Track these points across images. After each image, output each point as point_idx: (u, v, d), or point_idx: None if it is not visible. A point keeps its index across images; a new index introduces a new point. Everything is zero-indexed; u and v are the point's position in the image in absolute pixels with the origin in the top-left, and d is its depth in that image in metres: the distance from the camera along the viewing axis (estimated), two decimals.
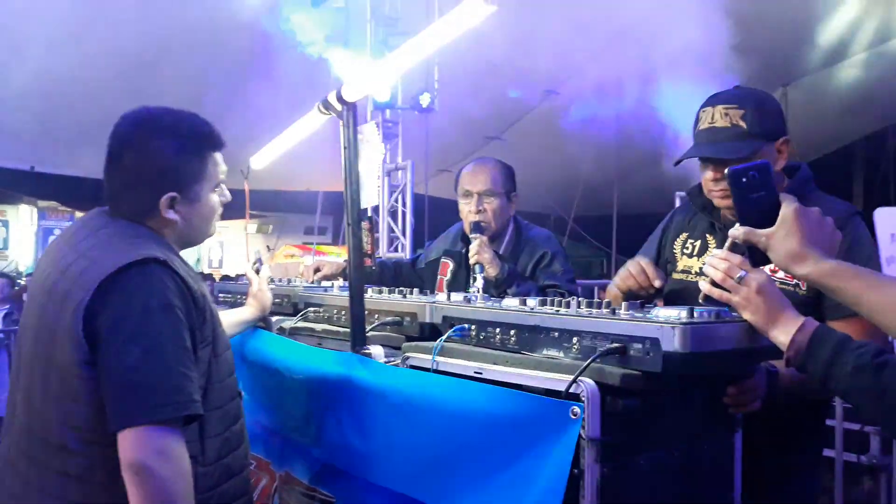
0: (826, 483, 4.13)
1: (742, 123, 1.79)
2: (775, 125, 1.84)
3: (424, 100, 7.44)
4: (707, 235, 2.02)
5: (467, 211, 2.74)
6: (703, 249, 2.00)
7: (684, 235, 2.08)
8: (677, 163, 1.97)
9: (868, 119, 12.23)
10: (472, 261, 2.57)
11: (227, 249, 16.91)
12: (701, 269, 1.90)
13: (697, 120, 1.91)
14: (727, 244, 1.47)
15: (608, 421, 1.30)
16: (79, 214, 11.61)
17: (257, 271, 2.35)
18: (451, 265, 2.85)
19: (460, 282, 2.78)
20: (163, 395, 1.42)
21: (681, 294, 1.98)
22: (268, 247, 14.62)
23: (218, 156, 1.70)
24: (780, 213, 1.34)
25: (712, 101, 1.87)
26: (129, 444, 1.40)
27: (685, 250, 2.06)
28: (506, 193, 2.75)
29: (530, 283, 2.59)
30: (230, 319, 2.19)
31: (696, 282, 1.87)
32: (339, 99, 1.83)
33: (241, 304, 2.36)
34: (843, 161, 14.35)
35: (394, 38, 7.39)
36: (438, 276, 2.88)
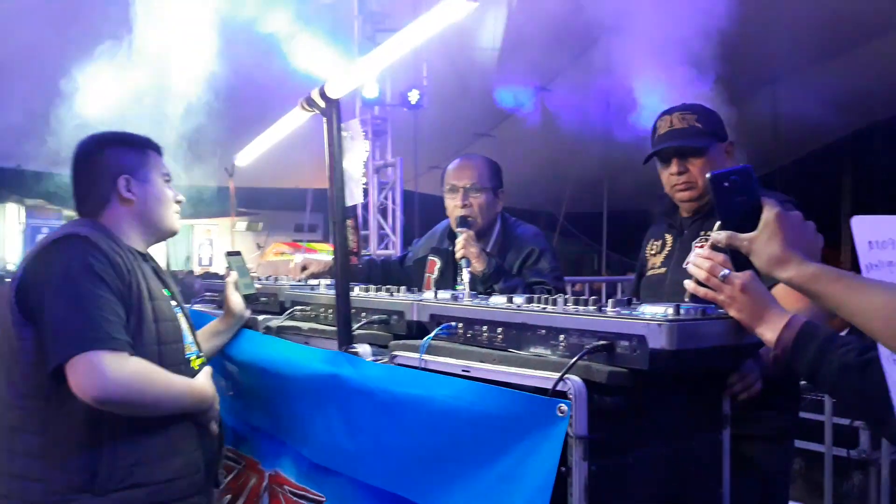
0: (816, 478, 4.15)
1: (698, 124, 2.16)
2: (722, 130, 2.21)
3: (413, 96, 7.42)
4: (666, 235, 2.31)
5: (453, 206, 2.72)
6: (663, 247, 2.30)
7: (653, 240, 2.38)
8: (646, 160, 2.26)
9: (855, 116, 12.29)
10: (458, 255, 2.55)
11: (216, 247, 16.86)
12: (663, 262, 2.24)
13: (655, 129, 2.23)
14: (709, 243, 1.47)
15: (595, 418, 1.29)
16: (66, 213, 11.54)
17: (229, 269, 2.33)
18: (438, 263, 2.84)
19: (447, 279, 2.77)
20: (87, 332, 1.65)
21: (649, 289, 2.25)
22: (258, 245, 14.58)
23: (159, 156, 2.02)
24: (763, 216, 1.33)
25: (668, 111, 2.22)
26: (74, 383, 1.62)
27: (651, 251, 2.35)
28: (492, 189, 2.73)
29: (517, 279, 2.58)
30: (206, 332, 2.19)
31: (659, 274, 2.23)
32: (323, 96, 1.82)
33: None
34: (832, 158, 14.43)
35: (381, 35, 7.36)
36: (426, 274, 2.87)
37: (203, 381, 1.93)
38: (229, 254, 2.39)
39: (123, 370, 1.66)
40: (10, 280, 1.83)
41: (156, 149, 2.03)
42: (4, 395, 1.78)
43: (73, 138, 1.99)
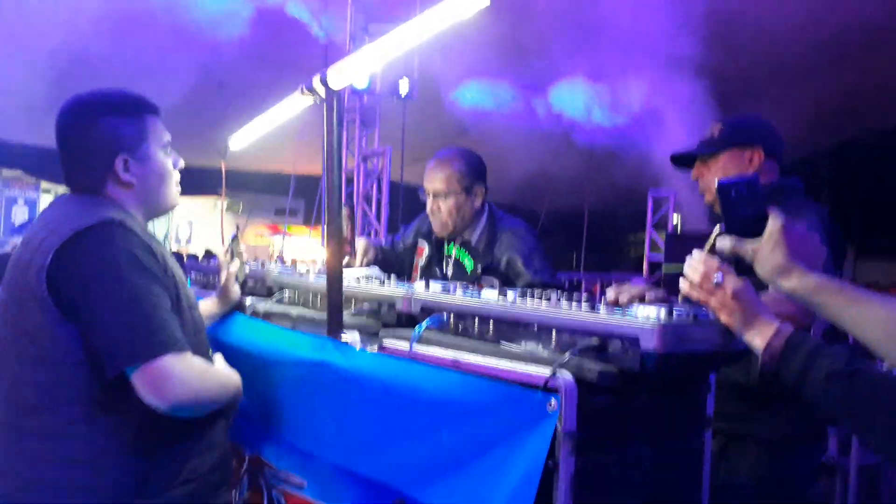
0: None
1: (715, 134, 2.24)
2: (748, 137, 2.21)
3: (403, 87, 7.39)
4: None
5: (428, 208, 2.72)
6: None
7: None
8: (674, 165, 2.39)
9: (833, 130, 12.44)
10: None
11: (195, 227, 16.67)
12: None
13: None
14: (706, 247, 1.49)
15: (583, 415, 1.31)
16: (44, 184, 11.35)
17: (232, 255, 2.30)
18: (426, 248, 2.81)
19: (434, 266, 2.76)
20: (152, 336, 1.51)
21: None
22: (237, 226, 14.43)
23: (157, 119, 1.78)
24: (767, 226, 1.36)
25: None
26: (145, 392, 1.51)
27: None
28: (465, 189, 2.65)
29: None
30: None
31: None
32: (324, 83, 1.81)
33: (214, 285, 2.32)
34: (810, 171, 14.60)
35: (373, 25, 7.32)
36: (415, 259, 2.84)
37: (232, 370, 1.84)
38: (233, 238, 2.33)
39: (192, 372, 1.56)
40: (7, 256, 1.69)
41: (154, 111, 1.78)
42: (34, 401, 1.58)
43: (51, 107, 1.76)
